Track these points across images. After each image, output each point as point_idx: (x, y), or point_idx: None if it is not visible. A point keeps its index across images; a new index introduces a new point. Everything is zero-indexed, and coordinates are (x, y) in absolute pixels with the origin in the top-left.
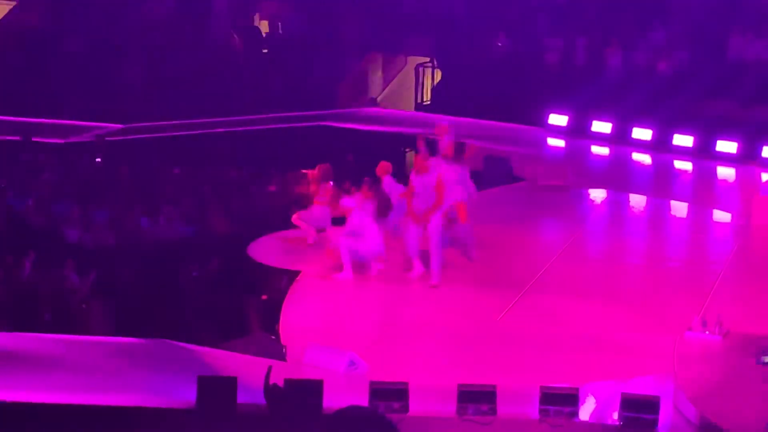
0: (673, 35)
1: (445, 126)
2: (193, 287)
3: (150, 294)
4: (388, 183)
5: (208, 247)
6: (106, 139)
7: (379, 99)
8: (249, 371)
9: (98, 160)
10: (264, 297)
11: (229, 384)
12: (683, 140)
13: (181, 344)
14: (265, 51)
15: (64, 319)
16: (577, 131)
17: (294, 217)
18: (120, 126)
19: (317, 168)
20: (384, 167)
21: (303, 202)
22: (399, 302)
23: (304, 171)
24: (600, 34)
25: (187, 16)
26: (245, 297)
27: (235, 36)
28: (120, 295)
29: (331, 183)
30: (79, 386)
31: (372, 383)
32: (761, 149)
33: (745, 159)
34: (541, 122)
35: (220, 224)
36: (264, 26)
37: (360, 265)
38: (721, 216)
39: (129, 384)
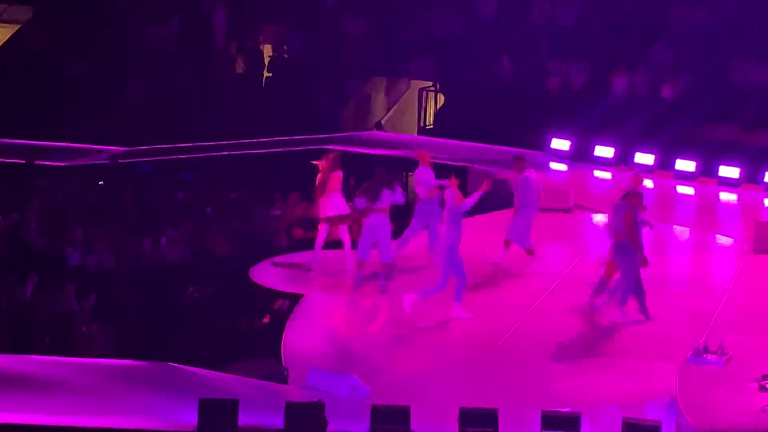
0: (675, 60)
1: (633, 175)
2: (195, 310)
3: (151, 316)
4: (424, 173)
5: (210, 270)
6: (119, 161)
7: (381, 123)
8: (250, 394)
9: (101, 183)
10: (266, 320)
11: (231, 406)
12: (685, 165)
13: (183, 367)
14: (269, 75)
15: (64, 341)
16: (580, 156)
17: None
18: (123, 149)
19: (324, 157)
20: (424, 155)
21: (317, 193)
22: (401, 326)
23: (313, 162)
24: (602, 58)
25: (190, 39)
26: (247, 320)
27: (239, 59)
28: (121, 317)
29: (341, 172)
30: (79, 409)
31: (374, 406)
32: (764, 174)
33: (748, 183)
34: (544, 147)
35: (221, 247)
36: (267, 50)
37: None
38: (723, 241)
39: (130, 406)
